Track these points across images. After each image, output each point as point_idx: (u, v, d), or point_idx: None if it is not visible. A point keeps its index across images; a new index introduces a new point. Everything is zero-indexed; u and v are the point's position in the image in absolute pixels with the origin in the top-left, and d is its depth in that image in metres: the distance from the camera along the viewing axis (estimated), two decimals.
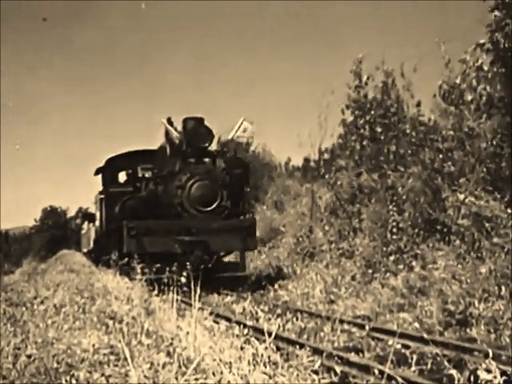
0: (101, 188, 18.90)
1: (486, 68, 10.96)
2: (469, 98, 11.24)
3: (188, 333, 4.64)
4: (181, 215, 12.97)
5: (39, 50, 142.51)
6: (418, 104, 13.46)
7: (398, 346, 5.79)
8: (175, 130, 14.77)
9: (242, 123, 14.18)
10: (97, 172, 18.60)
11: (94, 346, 4.38)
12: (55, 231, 70.02)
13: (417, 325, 7.01)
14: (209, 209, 13.07)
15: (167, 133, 13.90)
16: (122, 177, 18.32)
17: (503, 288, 7.31)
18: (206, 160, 14.11)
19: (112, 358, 4.14)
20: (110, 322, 5.33)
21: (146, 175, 15.32)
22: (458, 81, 11.52)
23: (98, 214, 20.45)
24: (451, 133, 11.37)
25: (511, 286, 7.35)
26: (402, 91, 13.56)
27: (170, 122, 13.92)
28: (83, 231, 35.58)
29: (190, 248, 12.22)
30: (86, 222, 34.16)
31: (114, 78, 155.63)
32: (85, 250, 32.01)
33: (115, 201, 15.40)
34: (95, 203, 21.81)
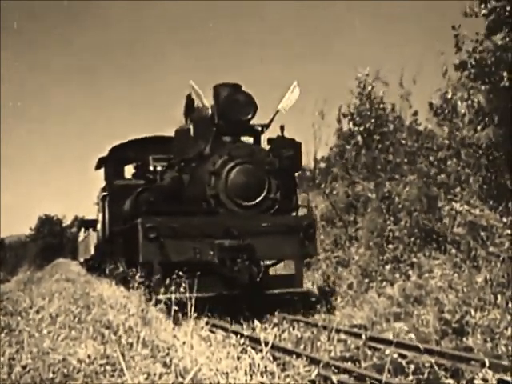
0: (103, 184, 15.90)
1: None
2: (462, 110, 11.36)
3: (184, 343, 4.63)
4: (215, 211, 9.69)
5: (39, 50, 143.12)
6: (415, 113, 13.57)
7: (395, 356, 5.79)
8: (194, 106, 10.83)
9: (294, 88, 10.60)
10: (99, 164, 15.58)
11: (89, 356, 4.37)
12: (51, 240, 69.91)
13: (413, 335, 7.01)
14: (253, 202, 9.76)
15: (189, 108, 10.55)
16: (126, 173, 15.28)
17: (499, 297, 7.32)
18: (246, 139, 10.68)
19: (108, 368, 4.12)
20: (106, 332, 5.32)
21: (159, 168, 12.09)
22: (449, 95, 11.64)
23: (100, 216, 16.99)
24: (446, 142, 11.45)
25: (507, 295, 7.36)
26: (399, 100, 13.67)
27: (190, 98, 10.48)
28: (80, 238, 35.13)
29: (231, 256, 9.09)
30: (82, 230, 33.82)
31: (114, 79, 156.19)
32: (81, 259, 31.17)
33: (124, 196, 12.74)
34: (97, 204, 18.20)
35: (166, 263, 8.92)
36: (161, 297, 7.74)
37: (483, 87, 10.77)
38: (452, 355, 5.60)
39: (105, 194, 15.32)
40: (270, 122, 10.55)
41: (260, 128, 10.66)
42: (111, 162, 14.49)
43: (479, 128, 10.83)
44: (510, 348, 6.05)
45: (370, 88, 14.09)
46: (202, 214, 9.65)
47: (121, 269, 10.52)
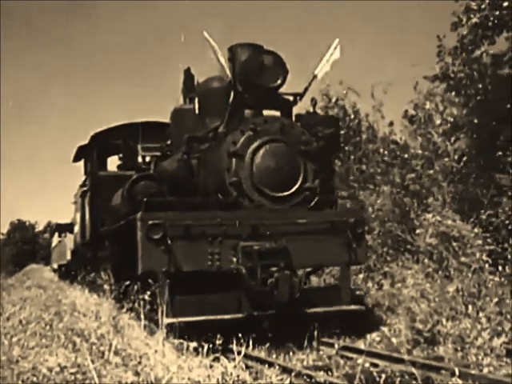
0: (82, 180, 13.79)
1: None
2: (437, 122, 11.54)
3: (156, 351, 4.61)
4: (238, 204, 7.50)
5: (39, 50, 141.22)
6: (391, 123, 13.71)
7: (367, 365, 5.82)
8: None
9: (335, 49, 8.36)
10: (77, 155, 13.42)
11: (60, 364, 4.32)
12: (23, 245, 69.01)
13: (385, 344, 7.07)
14: (286, 193, 7.62)
15: (188, 85, 8.75)
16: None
17: (470, 307, 7.41)
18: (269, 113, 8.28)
19: (79, 376, 4.08)
20: (78, 340, 5.26)
21: (148, 159, 10.08)
22: (427, 106, 11.82)
23: (78, 216, 14.46)
24: (420, 152, 11.61)
25: (478, 305, 7.45)
26: (372, 111, 13.80)
27: (189, 73, 8.80)
28: (54, 244, 34.45)
29: (262, 263, 6.96)
30: (56, 234, 33.19)
31: (115, 80, 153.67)
32: (55, 266, 30.27)
33: (111, 188, 10.31)
34: (74, 203, 15.78)
35: (174, 273, 6.93)
36: (168, 320, 6.23)
37: (456, 100, 10.96)
38: (423, 364, 5.66)
39: (85, 189, 13.13)
40: (305, 90, 8.38)
41: (292, 98, 8.36)
42: (93, 151, 12.31)
43: (452, 139, 11.01)
44: (479, 357, 6.13)
45: (334, 99, 14.14)
46: (221, 208, 7.46)
47: (92, 275, 10.11)
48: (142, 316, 6.13)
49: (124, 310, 7.03)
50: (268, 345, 6.74)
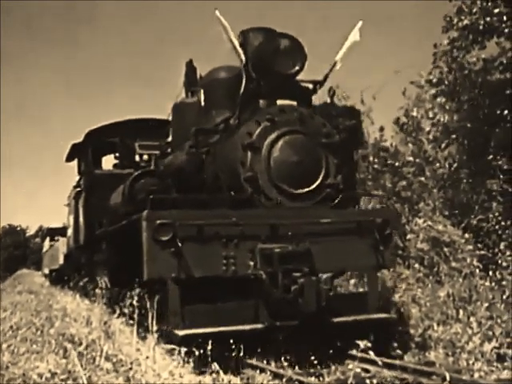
0: (76, 181, 13.16)
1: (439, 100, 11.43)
2: (427, 128, 11.59)
3: (148, 357, 4.60)
4: (253, 202, 6.69)
5: (39, 50, 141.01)
6: (381, 129, 13.72)
7: (358, 370, 5.82)
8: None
9: (356, 32, 7.41)
10: (71, 154, 12.76)
11: (50, 370, 4.31)
12: (14, 250, 68.71)
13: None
14: (306, 190, 6.80)
15: (190, 77, 8.29)
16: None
17: (461, 311, 7.44)
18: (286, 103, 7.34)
19: (70, 383, 4.07)
20: (69, 346, 5.24)
21: (146, 157, 9.59)
22: (414, 113, 11.87)
23: (71, 218, 13.73)
24: (411, 158, 11.65)
25: (469, 310, 7.49)
26: (363, 117, 13.79)
27: (191, 65, 8.37)
28: (45, 248, 34.19)
29: (283, 268, 6.14)
30: (48, 239, 32.95)
31: (115, 80, 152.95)
32: (46, 271, 29.89)
33: (109, 187, 9.66)
34: (68, 205, 15.04)
35: (184, 280, 6.10)
36: (182, 333, 5.79)
37: (447, 106, 11.01)
38: (414, 369, 5.67)
39: (79, 189, 12.44)
40: (326, 77, 7.49)
41: (311, 86, 7.46)
42: (88, 150, 11.63)
43: (443, 145, 11.07)
44: (470, 362, 6.15)
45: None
46: (234, 206, 6.62)
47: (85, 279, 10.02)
48: (135, 322, 6.09)
49: (115, 315, 7.00)
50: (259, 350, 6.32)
